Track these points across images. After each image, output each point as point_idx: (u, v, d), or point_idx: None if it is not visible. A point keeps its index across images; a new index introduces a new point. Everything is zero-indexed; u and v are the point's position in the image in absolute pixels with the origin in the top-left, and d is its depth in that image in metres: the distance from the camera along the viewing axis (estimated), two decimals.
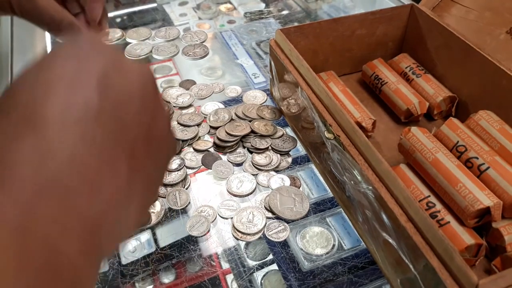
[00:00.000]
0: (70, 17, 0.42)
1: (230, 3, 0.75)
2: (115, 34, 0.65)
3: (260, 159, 0.46)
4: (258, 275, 0.37)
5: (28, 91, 0.20)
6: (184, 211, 0.41)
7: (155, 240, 0.40)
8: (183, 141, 0.47)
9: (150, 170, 0.24)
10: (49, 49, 0.63)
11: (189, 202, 0.42)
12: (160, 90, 0.56)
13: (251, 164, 0.45)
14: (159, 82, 0.58)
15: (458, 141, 0.40)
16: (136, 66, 0.23)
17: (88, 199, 0.19)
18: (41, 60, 0.21)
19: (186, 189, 0.43)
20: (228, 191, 0.43)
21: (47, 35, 0.64)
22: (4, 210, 0.16)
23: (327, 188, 0.43)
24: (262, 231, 0.39)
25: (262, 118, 0.50)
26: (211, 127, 0.49)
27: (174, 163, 0.45)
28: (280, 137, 0.48)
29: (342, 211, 0.41)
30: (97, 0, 0.48)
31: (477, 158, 0.38)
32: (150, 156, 0.24)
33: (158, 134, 0.25)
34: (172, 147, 0.28)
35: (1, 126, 0.19)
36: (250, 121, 0.49)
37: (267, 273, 0.37)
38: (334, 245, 0.39)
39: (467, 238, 0.34)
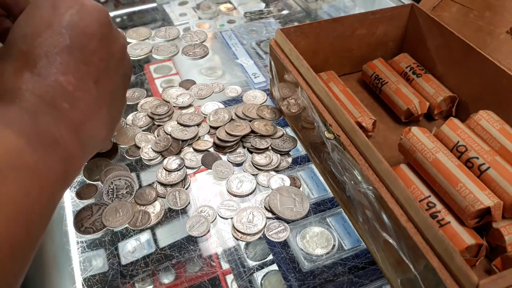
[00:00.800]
0: None
1: (230, 3, 0.75)
2: None
3: (260, 159, 0.46)
4: (258, 276, 0.37)
5: (23, 32, 0.29)
6: (184, 211, 0.41)
7: (155, 241, 0.40)
8: (183, 141, 0.47)
9: (112, 87, 0.33)
10: None
11: (189, 202, 0.42)
12: (160, 90, 0.56)
13: (251, 164, 0.45)
14: (158, 82, 0.58)
15: (458, 141, 0.40)
16: (94, 8, 0.31)
17: (70, 111, 0.28)
18: (29, 9, 0.30)
19: (186, 189, 0.43)
20: (228, 191, 0.43)
21: None
22: (17, 117, 0.26)
23: (327, 188, 0.43)
24: (262, 231, 0.39)
25: (262, 118, 0.50)
26: (211, 127, 0.49)
27: (174, 163, 0.45)
28: (280, 137, 0.48)
29: (342, 211, 0.41)
30: None
31: (478, 158, 0.38)
32: (111, 76, 0.32)
33: (116, 57, 0.33)
34: (128, 66, 0.36)
35: (7, 56, 0.28)
36: (250, 121, 0.49)
37: (267, 273, 0.37)
38: (334, 246, 0.39)
39: (468, 238, 0.34)
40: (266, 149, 0.46)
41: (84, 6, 0.30)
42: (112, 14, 0.72)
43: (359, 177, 0.35)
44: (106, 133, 0.33)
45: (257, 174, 0.44)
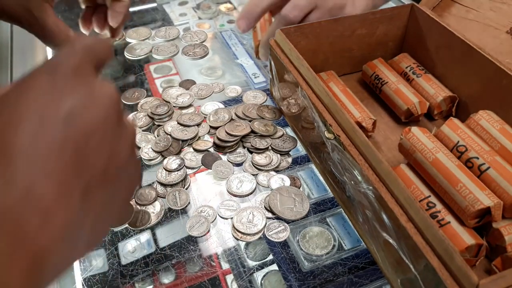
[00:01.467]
0: (74, 37, 0.46)
1: (230, 3, 0.75)
2: None
3: (260, 159, 0.46)
4: (258, 276, 0.37)
5: (7, 111, 0.21)
6: (184, 211, 0.41)
7: (155, 241, 0.40)
8: (183, 141, 0.47)
9: (107, 196, 0.24)
10: (48, 52, 0.62)
11: (189, 202, 0.42)
12: (160, 90, 0.56)
13: (251, 164, 0.45)
14: (158, 82, 0.58)
15: (458, 141, 0.40)
16: (105, 94, 0.24)
17: (38, 231, 0.20)
18: (19, 86, 0.22)
19: (186, 189, 0.43)
20: (228, 191, 0.43)
21: None
22: None
23: (327, 188, 0.43)
24: (262, 231, 0.39)
25: (262, 118, 0.50)
26: (211, 127, 0.49)
27: (174, 163, 0.45)
28: (280, 137, 0.48)
29: (342, 211, 0.41)
30: (120, 10, 0.51)
31: (478, 158, 0.38)
32: (108, 180, 0.24)
33: (119, 157, 0.25)
34: (135, 166, 0.27)
35: None
36: (250, 121, 0.49)
37: (267, 273, 0.37)
38: (334, 246, 0.39)
39: (468, 238, 0.34)
40: (266, 149, 0.46)
41: (93, 92, 0.24)
42: None
43: (359, 177, 0.35)
44: (77, 257, 0.24)
45: (257, 174, 0.44)
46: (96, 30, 0.53)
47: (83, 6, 0.53)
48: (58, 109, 0.22)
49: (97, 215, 0.24)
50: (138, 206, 0.41)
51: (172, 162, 0.45)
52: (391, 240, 0.32)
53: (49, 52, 0.62)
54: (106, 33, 0.53)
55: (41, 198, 0.20)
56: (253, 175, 0.44)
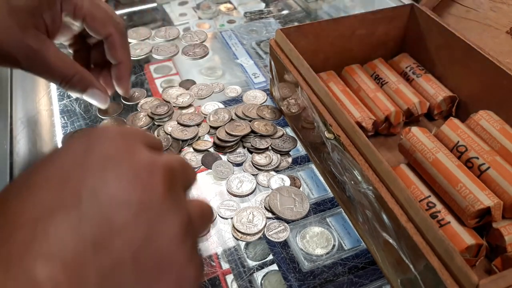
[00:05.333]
0: (81, 71, 0.40)
1: (230, 3, 0.75)
2: None
3: (260, 159, 0.46)
4: (258, 276, 0.37)
5: (27, 182, 0.18)
6: None
7: None
8: (183, 141, 0.47)
9: None
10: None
11: None
12: (160, 90, 0.56)
13: (251, 164, 0.45)
14: (158, 82, 0.58)
15: (458, 141, 0.40)
16: (147, 168, 0.20)
17: None
18: (57, 150, 0.20)
19: None
20: (228, 191, 0.43)
21: None
22: None
23: (327, 188, 0.43)
24: (262, 231, 0.39)
25: (262, 118, 0.50)
26: (211, 127, 0.49)
27: None
28: (280, 137, 0.48)
29: (342, 211, 0.41)
30: (125, 74, 0.45)
31: (478, 158, 0.38)
32: (139, 281, 0.18)
33: (158, 244, 0.19)
34: (187, 276, 0.20)
35: None
36: (250, 121, 0.49)
37: (267, 273, 0.37)
38: (334, 245, 0.39)
39: (468, 238, 0.34)
40: (266, 149, 0.46)
41: (131, 160, 0.20)
42: None
43: (359, 177, 0.35)
44: None
45: (257, 174, 0.44)
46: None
47: (70, 50, 0.46)
48: (86, 177, 0.19)
49: None
50: None
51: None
52: (391, 240, 0.32)
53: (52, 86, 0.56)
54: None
55: (40, 282, 0.16)
56: (253, 175, 0.44)
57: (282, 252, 0.38)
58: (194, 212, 0.22)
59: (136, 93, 0.54)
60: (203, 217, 0.24)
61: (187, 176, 0.23)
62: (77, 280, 0.16)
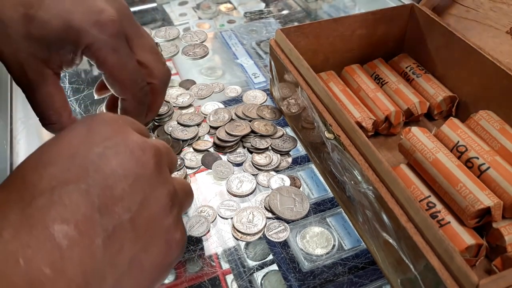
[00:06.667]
0: (64, 122, 0.36)
1: (230, 3, 0.75)
2: None
3: (260, 159, 0.46)
4: (258, 276, 0.37)
5: (39, 158, 0.22)
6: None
7: None
8: (183, 141, 0.47)
9: (135, 257, 0.22)
10: None
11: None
12: None
13: (251, 164, 0.45)
14: None
15: (458, 141, 0.40)
16: (138, 145, 0.24)
17: (51, 281, 0.18)
18: (63, 132, 0.24)
19: None
20: (228, 191, 0.43)
21: None
22: None
23: (327, 188, 0.43)
24: (262, 231, 0.39)
25: (262, 118, 0.50)
26: (211, 127, 0.49)
27: None
28: (280, 137, 0.48)
29: (342, 211, 0.41)
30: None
31: (478, 158, 0.38)
32: (137, 235, 0.22)
33: (152, 211, 0.23)
34: (178, 230, 0.25)
35: (6, 185, 0.21)
36: (250, 121, 0.49)
37: (267, 273, 0.37)
38: (334, 245, 0.39)
39: (468, 238, 0.34)
40: (266, 149, 0.46)
41: (126, 140, 0.24)
42: None
43: (359, 177, 0.35)
44: None
45: (257, 174, 0.44)
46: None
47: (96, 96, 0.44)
48: (89, 152, 0.22)
49: (124, 272, 0.22)
50: None
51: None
52: (391, 240, 0.32)
53: None
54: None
55: (58, 241, 0.19)
56: (253, 175, 0.44)
57: (282, 252, 0.38)
58: (178, 187, 0.26)
59: None
60: (186, 191, 0.29)
61: (171, 158, 0.27)
62: (87, 237, 0.20)
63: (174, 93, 0.54)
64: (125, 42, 0.35)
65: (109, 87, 0.37)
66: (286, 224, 0.40)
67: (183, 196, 0.27)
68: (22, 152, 0.47)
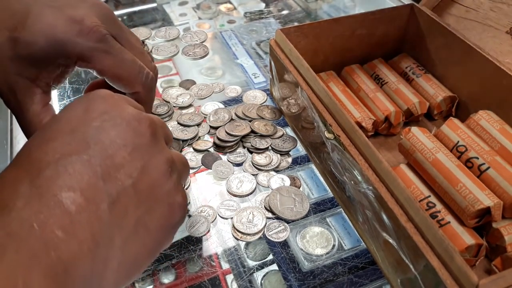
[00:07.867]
0: None
1: (230, 3, 0.75)
2: None
3: (260, 159, 0.46)
4: (258, 275, 0.37)
5: (42, 136, 0.24)
6: None
7: None
8: (183, 141, 0.47)
9: (138, 216, 0.24)
10: None
11: (189, 202, 0.42)
12: (160, 90, 0.56)
13: (251, 164, 0.45)
14: (158, 82, 0.58)
15: (458, 141, 0.40)
16: (134, 117, 0.25)
17: (63, 242, 0.20)
18: (61, 112, 0.26)
19: (186, 189, 0.43)
20: (228, 191, 0.43)
21: None
22: None
23: (327, 188, 0.43)
24: (262, 231, 0.39)
25: (262, 118, 0.50)
26: (211, 127, 0.49)
27: None
28: (280, 137, 0.48)
29: (342, 211, 0.41)
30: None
31: (478, 158, 0.38)
32: (140, 200, 0.24)
33: (153, 176, 0.25)
34: (177, 193, 0.26)
35: (13, 162, 0.23)
36: (250, 121, 0.49)
37: (267, 273, 0.37)
38: (334, 245, 0.39)
39: (468, 238, 0.34)
40: (266, 149, 0.46)
41: (122, 113, 0.25)
42: None
43: (359, 177, 0.35)
44: (114, 280, 0.23)
45: (257, 174, 0.44)
46: None
47: None
48: (88, 126, 0.24)
49: (130, 234, 0.24)
50: None
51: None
52: (391, 240, 0.32)
53: None
54: None
55: (67, 206, 0.21)
56: (253, 175, 0.44)
57: (282, 252, 0.38)
58: (175, 156, 0.28)
59: None
60: (183, 162, 0.30)
61: (166, 131, 0.29)
62: (93, 203, 0.22)
63: (174, 93, 0.54)
64: (114, 40, 0.35)
65: (118, 88, 0.36)
66: (286, 224, 0.40)
67: (180, 165, 0.29)
68: None
